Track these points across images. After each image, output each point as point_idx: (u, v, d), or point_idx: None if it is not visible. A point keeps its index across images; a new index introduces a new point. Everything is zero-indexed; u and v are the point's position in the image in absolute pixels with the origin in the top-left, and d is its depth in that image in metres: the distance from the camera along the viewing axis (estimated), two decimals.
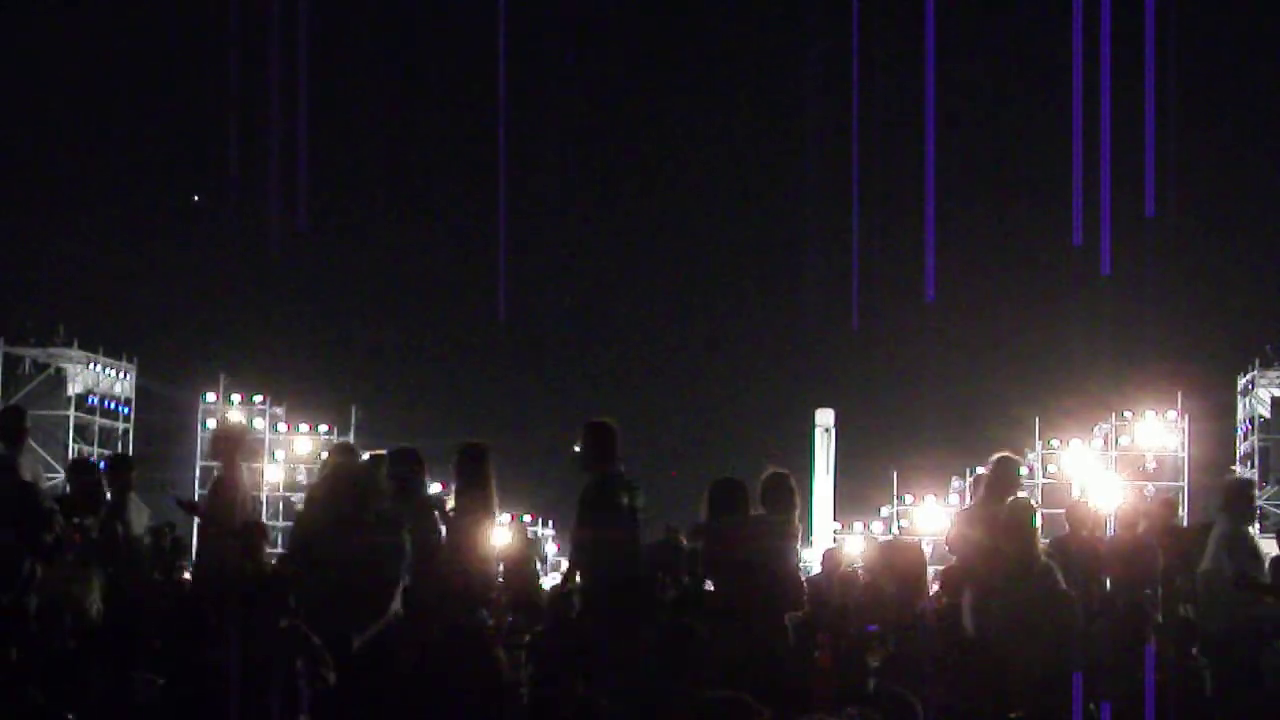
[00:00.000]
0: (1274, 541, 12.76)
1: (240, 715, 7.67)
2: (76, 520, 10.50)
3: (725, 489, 9.15)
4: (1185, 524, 19.61)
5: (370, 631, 8.66)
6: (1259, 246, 34.52)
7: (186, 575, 13.52)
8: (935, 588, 11.12)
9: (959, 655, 9.34)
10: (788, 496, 9.32)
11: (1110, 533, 13.27)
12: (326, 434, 36.24)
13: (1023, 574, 9.34)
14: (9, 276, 35.02)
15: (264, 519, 25.86)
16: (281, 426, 36.30)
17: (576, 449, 9.49)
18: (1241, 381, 33.10)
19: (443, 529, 9.67)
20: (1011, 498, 9.93)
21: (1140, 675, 9.39)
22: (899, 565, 9.51)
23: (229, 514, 10.61)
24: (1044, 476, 34.09)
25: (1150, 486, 32.22)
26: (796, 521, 9.39)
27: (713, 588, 9.51)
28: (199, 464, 34.01)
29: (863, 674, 9.11)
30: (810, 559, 20.52)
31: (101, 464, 13.00)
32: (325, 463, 12.15)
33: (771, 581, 8.97)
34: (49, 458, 28.05)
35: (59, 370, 33.57)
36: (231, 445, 11.17)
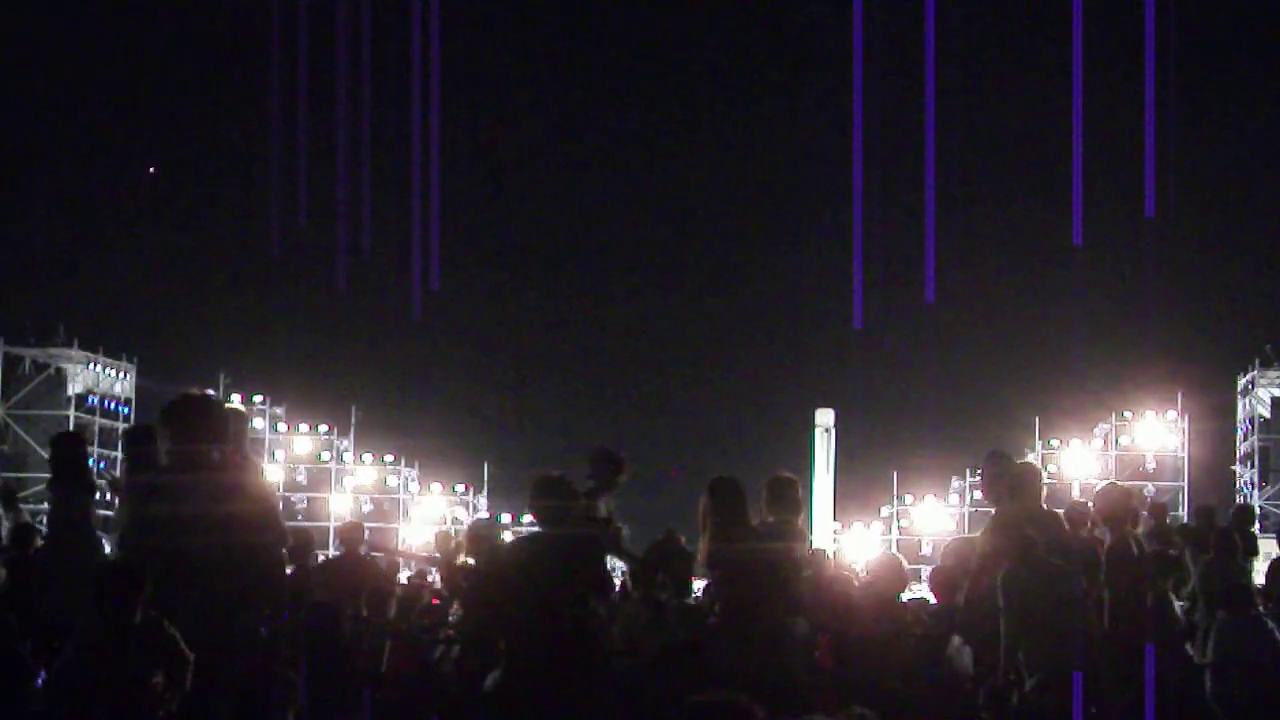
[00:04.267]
0: (1274, 542, 12.74)
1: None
2: None
3: (727, 487, 9.08)
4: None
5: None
6: (1259, 246, 34.50)
7: None
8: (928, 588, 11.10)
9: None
10: (793, 501, 9.31)
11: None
12: (326, 434, 36.31)
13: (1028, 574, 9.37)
14: (9, 276, 34.99)
15: None
16: (281, 426, 36.33)
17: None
18: (1241, 381, 33.10)
19: None
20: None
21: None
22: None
23: None
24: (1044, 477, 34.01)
25: (1150, 486, 32.23)
26: (800, 524, 9.38)
27: (713, 589, 9.49)
28: None
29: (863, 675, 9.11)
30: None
31: None
32: None
33: (774, 584, 8.95)
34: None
35: (59, 370, 33.56)
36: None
